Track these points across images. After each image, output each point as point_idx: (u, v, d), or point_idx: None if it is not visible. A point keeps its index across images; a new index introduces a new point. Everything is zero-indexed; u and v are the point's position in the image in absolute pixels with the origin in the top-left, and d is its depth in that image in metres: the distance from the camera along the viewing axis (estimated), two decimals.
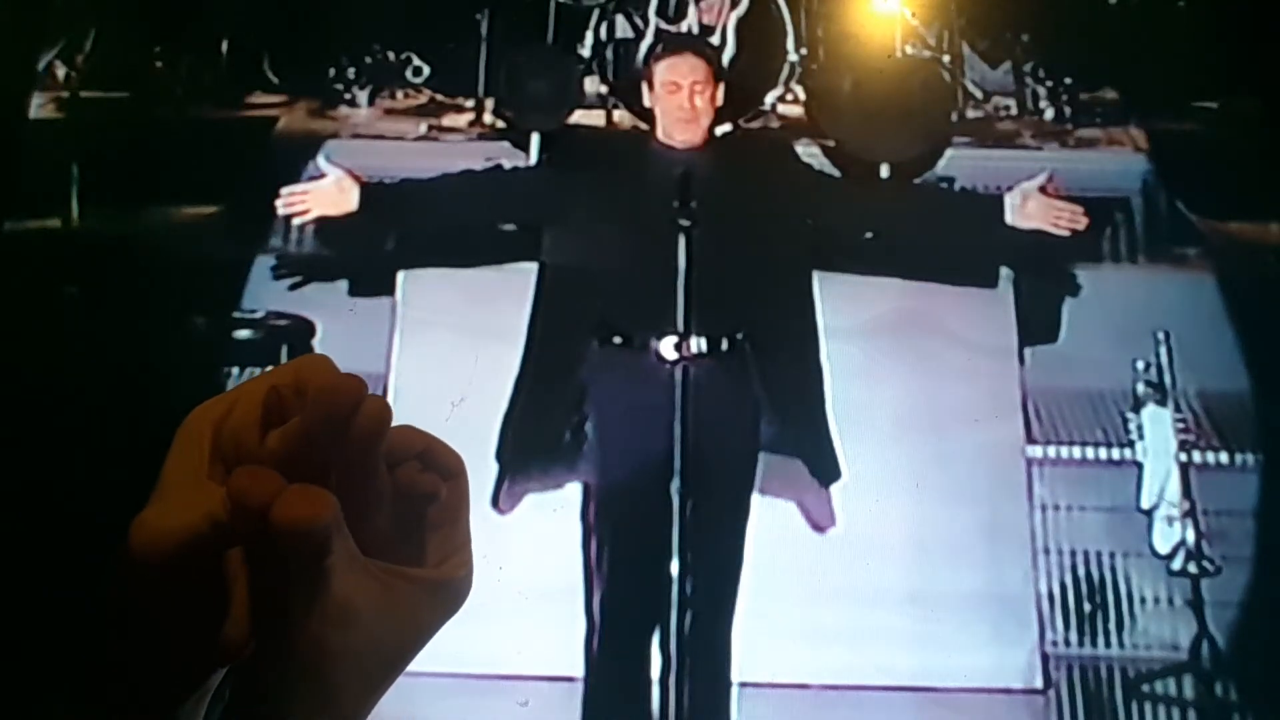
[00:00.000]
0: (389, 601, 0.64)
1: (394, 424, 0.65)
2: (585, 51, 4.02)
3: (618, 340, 3.45)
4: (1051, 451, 3.58)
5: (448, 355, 3.57)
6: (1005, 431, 3.57)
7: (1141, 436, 3.55)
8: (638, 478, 3.35)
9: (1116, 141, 3.99)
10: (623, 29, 4.04)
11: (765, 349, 3.48)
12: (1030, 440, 3.59)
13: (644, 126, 3.82)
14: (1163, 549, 3.47)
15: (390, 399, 3.61)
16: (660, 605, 3.25)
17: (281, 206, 3.68)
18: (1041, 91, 4.06)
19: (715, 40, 3.99)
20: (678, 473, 3.26)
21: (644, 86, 3.76)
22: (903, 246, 3.75)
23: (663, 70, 3.70)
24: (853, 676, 3.37)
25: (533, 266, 3.64)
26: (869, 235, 3.80)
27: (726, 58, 3.96)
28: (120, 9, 4.06)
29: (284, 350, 3.60)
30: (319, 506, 0.59)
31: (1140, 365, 3.57)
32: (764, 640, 3.36)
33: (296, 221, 3.70)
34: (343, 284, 3.74)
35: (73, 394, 3.21)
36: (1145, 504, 3.51)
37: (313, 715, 0.62)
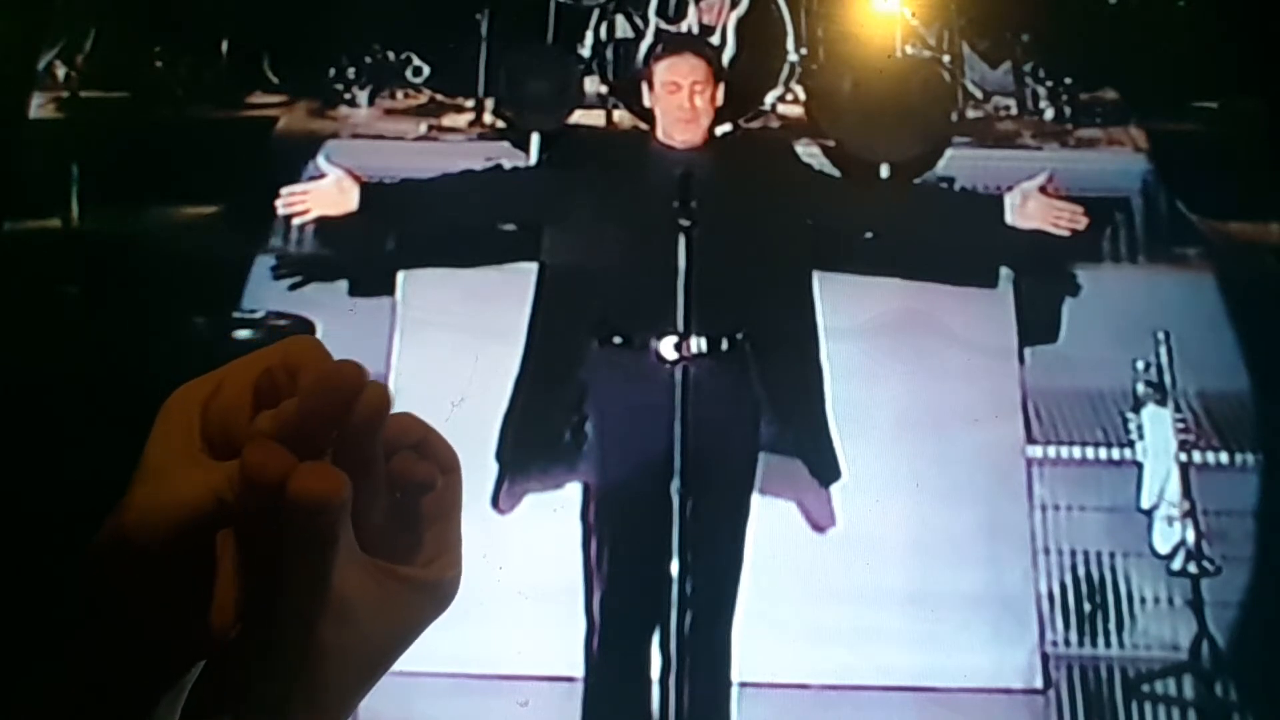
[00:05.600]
0: (381, 599, 0.62)
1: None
2: (585, 51, 4.01)
3: (618, 340, 3.45)
4: (1051, 451, 3.58)
5: (448, 355, 3.57)
6: (1005, 431, 3.57)
7: (1141, 436, 3.55)
8: (638, 478, 3.35)
9: (1116, 141, 3.99)
10: (623, 29, 4.04)
11: (765, 349, 3.48)
12: (1030, 440, 3.59)
13: (644, 126, 3.82)
14: (1163, 549, 3.47)
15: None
16: (660, 605, 3.25)
17: (281, 206, 3.68)
18: (1041, 91, 4.06)
19: (715, 40, 3.99)
20: (678, 473, 3.26)
21: (644, 86, 3.75)
22: (903, 246, 3.75)
23: (663, 70, 3.70)
24: (853, 676, 3.37)
25: (533, 266, 3.64)
26: (869, 235, 3.80)
27: (726, 58, 3.96)
28: (120, 9, 4.06)
29: None
30: (336, 483, 0.57)
31: (1140, 365, 3.57)
32: (764, 640, 3.36)
33: (296, 221, 3.70)
34: (343, 284, 3.74)
35: (73, 394, 3.21)
36: (1145, 504, 3.51)
37: (298, 713, 0.61)
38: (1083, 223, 3.66)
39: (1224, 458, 3.54)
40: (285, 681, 0.60)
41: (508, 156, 3.87)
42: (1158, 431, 3.55)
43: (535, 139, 3.88)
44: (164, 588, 0.60)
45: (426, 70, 4.12)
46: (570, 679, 3.34)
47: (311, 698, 0.61)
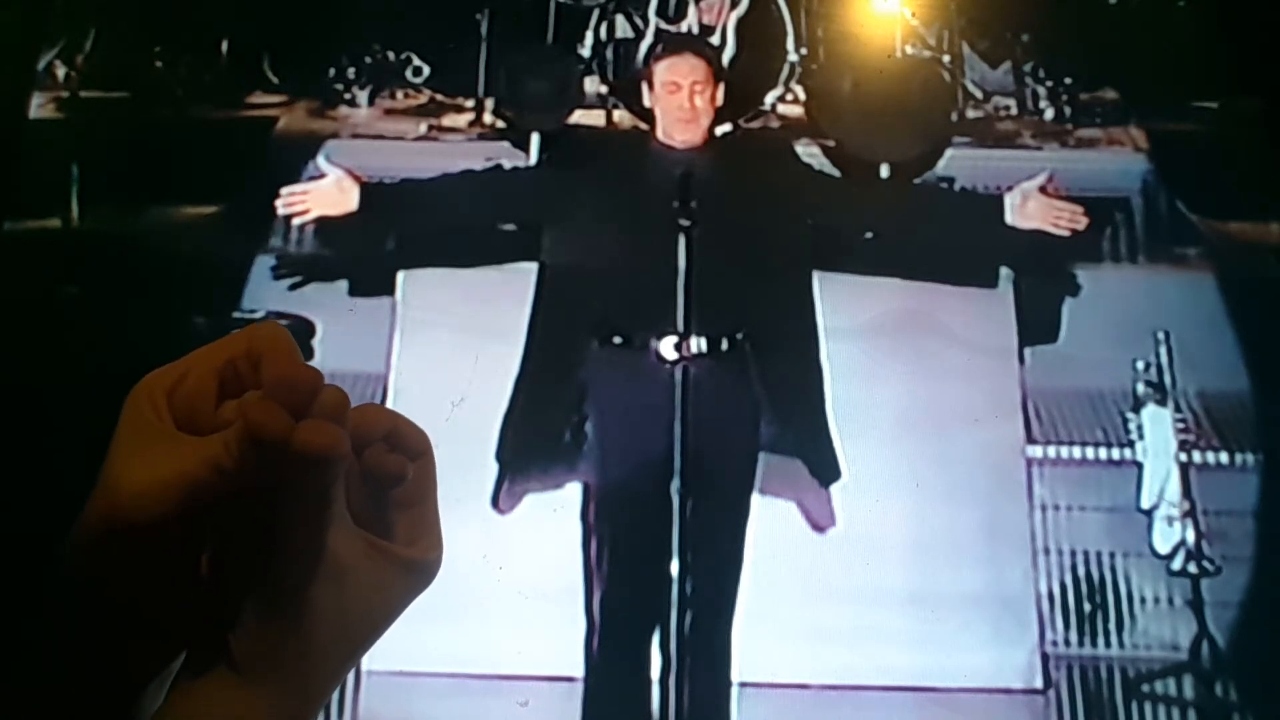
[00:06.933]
0: (370, 569, 0.64)
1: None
2: (585, 51, 4.01)
3: (618, 340, 3.45)
4: (1051, 451, 3.58)
5: (448, 355, 3.57)
6: (1005, 431, 3.57)
7: (1141, 436, 3.55)
8: (638, 478, 3.35)
9: (1116, 141, 3.99)
10: (623, 29, 4.04)
11: (765, 349, 3.48)
12: (1030, 440, 3.58)
13: (644, 126, 3.82)
14: (1163, 549, 3.47)
15: (390, 399, 3.59)
16: (660, 605, 3.25)
17: (281, 206, 3.68)
18: (1041, 91, 4.06)
19: (715, 40, 3.99)
20: (678, 473, 3.26)
21: (644, 86, 3.76)
22: (903, 246, 3.75)
23: (663, 70, 3.70)
24: (853, 676, 3.37)
25: (533, 266, 3.64)
26: (869, 235, 3.80)
27: (726, 58, 3.96)
28: (120, 9, 4.06)
29: None
30: (337, 436, 0.59)
31: (1140, 365, 3.57)
32: (764, 640, 3.36)
33: (296, 221, 3.70)
34: (343, 284, 3.74)
35: (72, 394, 3.20)
36: (1145, 504, 3.51)
37: (289, 677, 0.61)
38: (1083, 223, 3.66)
39: (1224, 458, 3.54)
40: (282, 636, 0.61)
41: (508, 156, 3.87)
42: (1158, 431, 3.55)
43: (535, 139, 3.88)
44: (157, 565, 0.61)
45: (426, 70, 4.11)
46: (570, 679, 3.34)
47: (304, 654, 0.62)
